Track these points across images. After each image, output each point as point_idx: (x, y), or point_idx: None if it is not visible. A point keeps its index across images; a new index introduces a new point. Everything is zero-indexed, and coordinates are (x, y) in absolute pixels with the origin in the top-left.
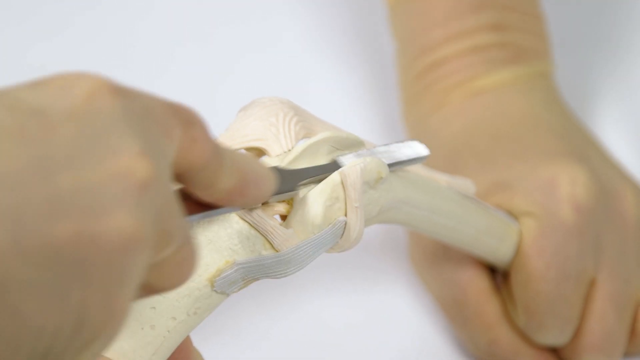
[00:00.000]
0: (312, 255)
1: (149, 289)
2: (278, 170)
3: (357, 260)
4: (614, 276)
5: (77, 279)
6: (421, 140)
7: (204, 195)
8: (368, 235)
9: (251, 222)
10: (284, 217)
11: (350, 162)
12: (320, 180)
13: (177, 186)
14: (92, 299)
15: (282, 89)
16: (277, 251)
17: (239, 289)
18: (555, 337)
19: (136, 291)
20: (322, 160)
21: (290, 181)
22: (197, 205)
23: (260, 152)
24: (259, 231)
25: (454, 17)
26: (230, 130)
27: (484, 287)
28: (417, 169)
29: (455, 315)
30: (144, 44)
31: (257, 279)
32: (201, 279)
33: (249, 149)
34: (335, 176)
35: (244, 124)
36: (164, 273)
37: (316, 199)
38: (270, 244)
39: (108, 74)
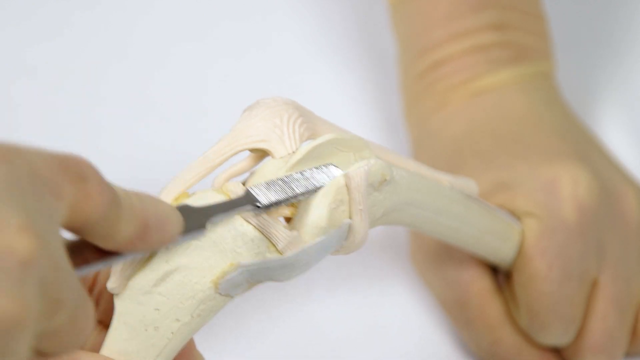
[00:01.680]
0: (316, 258)
1: (41, 355)
2: (185, 209)
3: (359, 261)
4: (616, 277)
5: None
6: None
7: (104, 245)
8: (369, 236)
9: (256, 225)
10: (288, 220)
11: (262, 193)
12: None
13: (74, 236)
14: None
15: (283, 89)
16: (281, 254)
17: (243, 292)
18: (558, 337)
19: None
20: (324, 161)
21: (199, 218)
22: (97, 251)
23: (264, 153)
24: (263, 234)
25: (455, 16)
26: (235, 130)
27: (486, 287)
28: (420, 169)
29: (458, 315)
30: (144, 44)
31: (261, 282)
32: (205, 281)
33: (253, 150)
34: (339, 179)
35: (248, 124)
36: (57, 338)
37: (321, 201)
38: (275, 246)
39: (108, 74)
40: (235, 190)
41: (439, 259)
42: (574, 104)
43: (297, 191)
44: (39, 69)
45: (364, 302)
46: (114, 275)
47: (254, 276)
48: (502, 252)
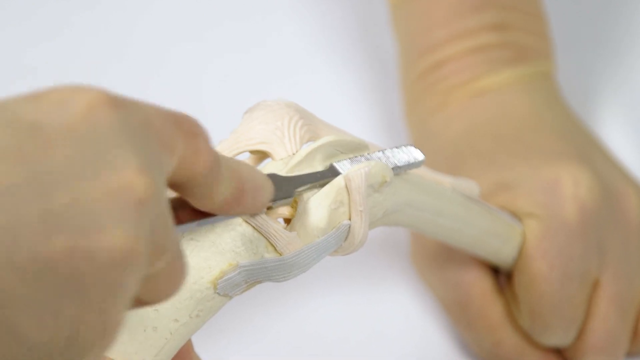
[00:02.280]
0: (315, 259)
1: (138, 302)
2: (275, 177)
3: (359, 261)
4: (618, 277)
5: (72, 295)
6: (423, 141)
7: (201, 205)
8: (370, 236)
9: (255, 225)
10: (287, 221)
11: (345, 167)
12: (319, 186)
13: (172, 194)
14: (86, 314)
15: (283, 89)
16: (280, 254)
17: (242, 292)
18: (560, 338)
19: (129, 304)
20: (320, 165)
21: (287, 188)
22: (191, 212)
23: (264, 155)
24: (262, 234)
25: (455, 17)
26: (235, 133)
27: (487, 288)
28: (420, 171)
29: (459, 316)
30: (143, 44)
31: (260, 282)
32: (204, 282)
33: (253, 152)
34: (339, 180)
35: (249, 126)
36: (154, 286)
37: (320, 202)
38: (274, 247)
39: (108, 74)
40: None
41: (439, 260)
42: (574, 104)
43: None
44: (39, 69)
45: (364, 303)
46: None
47: (253, 276)
48: (503, 253)
